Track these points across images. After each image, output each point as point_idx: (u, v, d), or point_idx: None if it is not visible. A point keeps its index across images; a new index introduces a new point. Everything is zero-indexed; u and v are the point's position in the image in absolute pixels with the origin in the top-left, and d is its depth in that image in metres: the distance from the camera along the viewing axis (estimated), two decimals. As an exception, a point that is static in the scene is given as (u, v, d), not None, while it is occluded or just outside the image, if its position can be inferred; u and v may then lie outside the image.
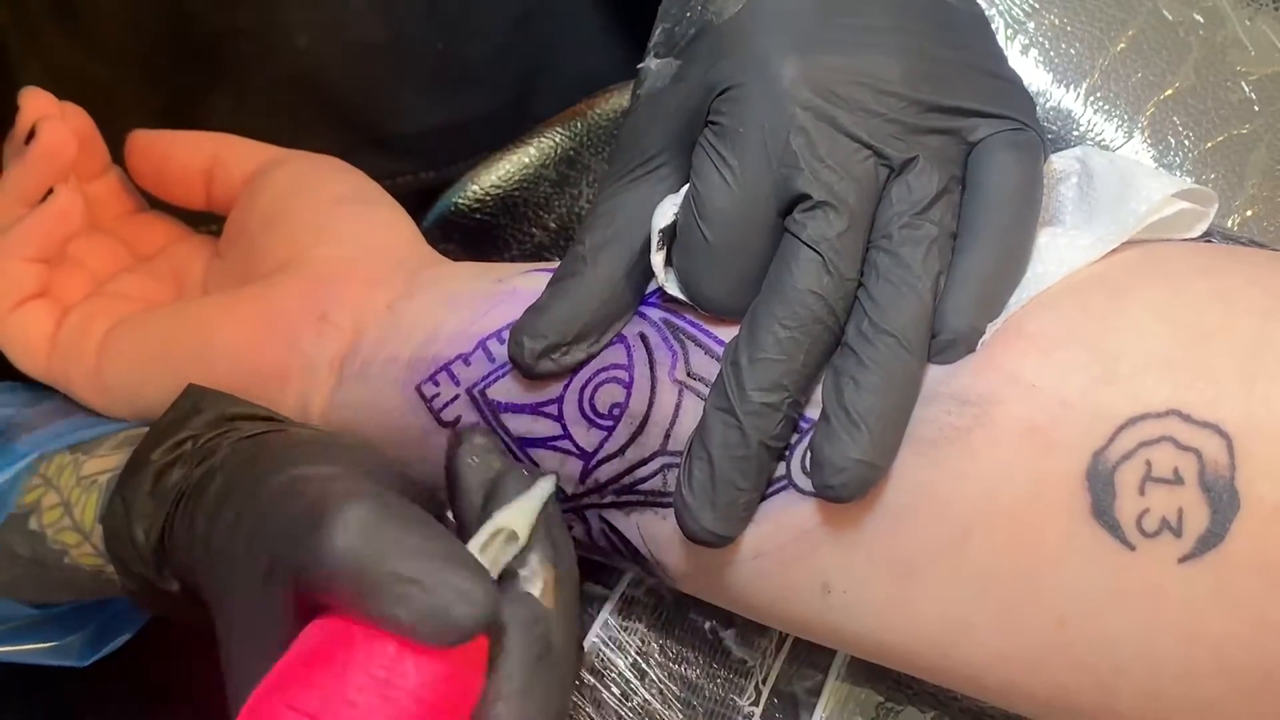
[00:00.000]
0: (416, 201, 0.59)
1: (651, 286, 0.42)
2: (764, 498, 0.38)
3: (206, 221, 0.58)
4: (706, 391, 0.39)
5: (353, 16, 0.61)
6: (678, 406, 0.40)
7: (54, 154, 0.51)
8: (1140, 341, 0.35)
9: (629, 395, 0.41)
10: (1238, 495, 0.33)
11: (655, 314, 0.41)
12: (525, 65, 0.66)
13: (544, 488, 0.38)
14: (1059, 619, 0.35)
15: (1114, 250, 0.38)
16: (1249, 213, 0.48)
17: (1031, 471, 0.35)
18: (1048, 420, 0.35)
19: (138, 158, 0.55)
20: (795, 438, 0.38)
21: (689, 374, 0.40)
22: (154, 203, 0.57)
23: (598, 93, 0.59)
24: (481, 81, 0.65)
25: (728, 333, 0.40)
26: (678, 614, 0.47)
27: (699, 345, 0.40)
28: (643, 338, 0.41)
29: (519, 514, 0.37)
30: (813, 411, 0.38)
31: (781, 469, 0.38)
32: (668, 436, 0.40)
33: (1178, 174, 0.49)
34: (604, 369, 0.41)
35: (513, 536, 0.36)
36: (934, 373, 0.37)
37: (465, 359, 0.43)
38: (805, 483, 0.37)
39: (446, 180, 0.63)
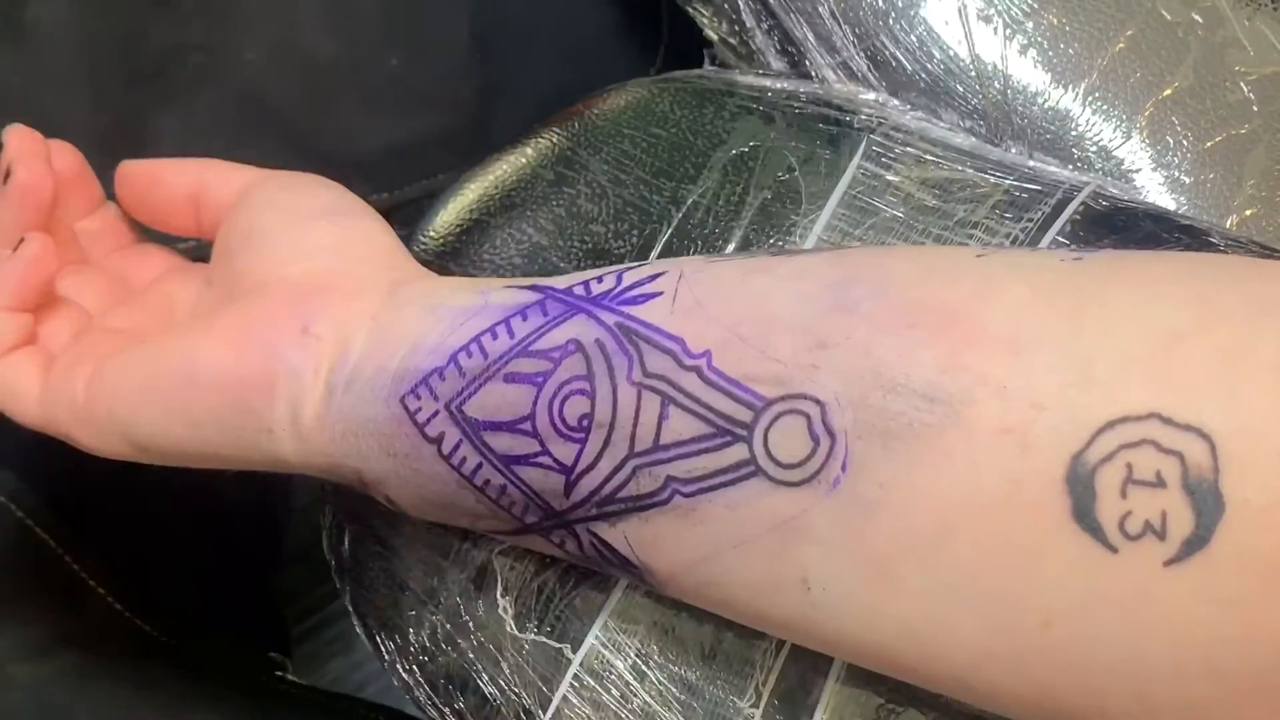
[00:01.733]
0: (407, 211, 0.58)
1: (607, 287, 0.42)
2: (731, 484, 0.38)
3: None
4: (664, 387, 0.39)
5: (304, 33, 0.60)
6: (638, 408, 0.40)
7: (31, 193, 0.50)
8: (1116, 344, 0.35)
9: (593, 405, 0.41)
10: (1222, 498, 0.33)
11: (609, 318, 0.41)
12: (480, 86, 0.64)
13: None
14: (1044, 620, 0.35)
15: (1081, 258, 0.37)
16: (1248, 213, 0.48)
17: (1008, 472, 0.34)
18: (1021, 422, 0.34)
19: (126, 188, 0.54)
20: (756, 419, 0.37)
21: (645, 373, 0.40)
22: (152, 235, 0.56)
23: (596, 93, 0.58)
24: (435, 102, 0.63)
25: (681, 329, 0.39)
26: (677, 615, 0.47)
27: (652, 345, 0.40)
28: (599, 345, 0.41)
29: None
30: (770, 390, 0.37)
31: (745, 452, 0.37)
32: (633, 439, 0.40)
33: (1176, 174, 0.49)
34: (567, 381, 0.41)
35: None
36: (891, 359, 0.36)
37: (440, 373, 0.43)
38: (774, 470, 0.37)
39: (399, 203, 0.61)
